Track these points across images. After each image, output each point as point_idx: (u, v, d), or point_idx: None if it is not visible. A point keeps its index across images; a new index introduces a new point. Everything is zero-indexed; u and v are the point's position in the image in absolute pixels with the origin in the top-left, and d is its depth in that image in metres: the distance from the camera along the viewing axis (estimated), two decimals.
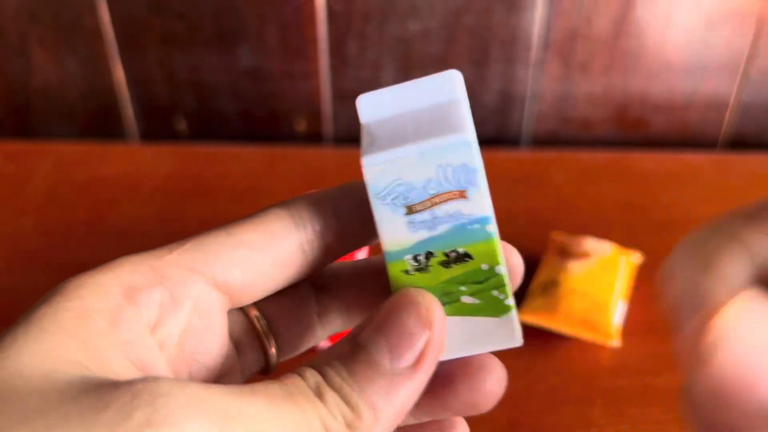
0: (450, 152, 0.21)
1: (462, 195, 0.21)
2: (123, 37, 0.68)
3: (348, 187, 0.23)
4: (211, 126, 0.74)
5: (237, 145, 0.72)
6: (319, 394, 0.18)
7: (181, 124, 0.74)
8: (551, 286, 0.50)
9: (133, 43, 0.69)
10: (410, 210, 0.22)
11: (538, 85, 0.71)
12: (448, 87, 0.23)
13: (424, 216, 0.22)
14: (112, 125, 0.74)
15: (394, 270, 0.22)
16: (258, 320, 0.23)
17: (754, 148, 0.76)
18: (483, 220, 0.21)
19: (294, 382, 0.19)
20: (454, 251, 0.22)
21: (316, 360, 0.20)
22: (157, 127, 0.74)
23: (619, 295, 0.49)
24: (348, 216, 0.23)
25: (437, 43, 0.69)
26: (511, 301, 0.23)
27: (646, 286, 0.54)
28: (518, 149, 0.75)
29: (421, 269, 0.22)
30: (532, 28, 0.68)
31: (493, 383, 0.23)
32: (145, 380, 0.17)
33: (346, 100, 0.72)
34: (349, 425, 0.18)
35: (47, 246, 0.58)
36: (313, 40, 0.68)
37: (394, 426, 0.19)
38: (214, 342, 0.22)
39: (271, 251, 0.22)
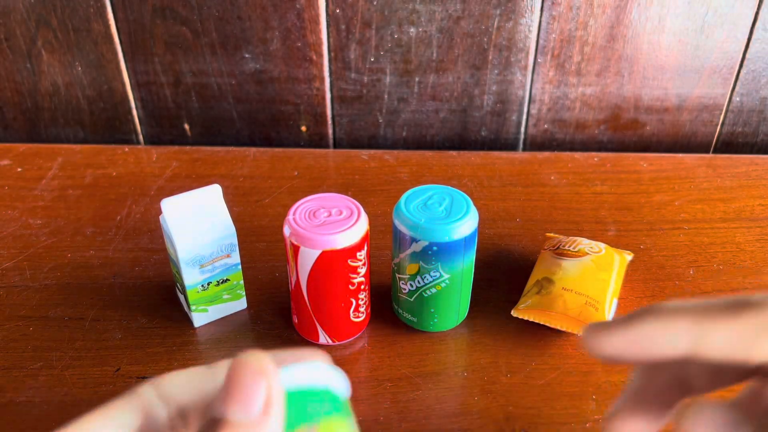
0: (226, 239, 0.48)
1: (228, 256, 0.49)
2: (129, 41, 0.69)
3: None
4: (215, 129, 0.75)
5: (240, 147, 0.73)
6: None
7: (186, 127, 0.75)
8: (547, 284, 0.50)
9: (140, 47, 0.69)
10: (202, 266, 0.48)
11: (535, 88, 0.72)
12: (215, 195, 0.47)
13: (208, 267, 0.48)
14: (119, 128, 0.75)
15: (192, 293, 0.48)
16: None
17: (746, 150, 0.77)
18: (237, 265, 0.50)
19: None
20: (222, 280, 0.49)
21: None
22: (162, 129, 0.75)
23: (613, 293, 0.50)
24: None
25: (436, 48, 0.69)
26: (243, 293, 0.51)
27: (638, 284, 0.54)
28: (515, 151, 0.76)
29: (204, 290, 0.49)
30: (528, 33, 0.68)
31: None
32: None
33: (347, 103, 0.73)
34: None
35: (55, 245, 0.58)
36: (314, 44, 0.69)
37: None
38: None
39: None
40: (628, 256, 0.55)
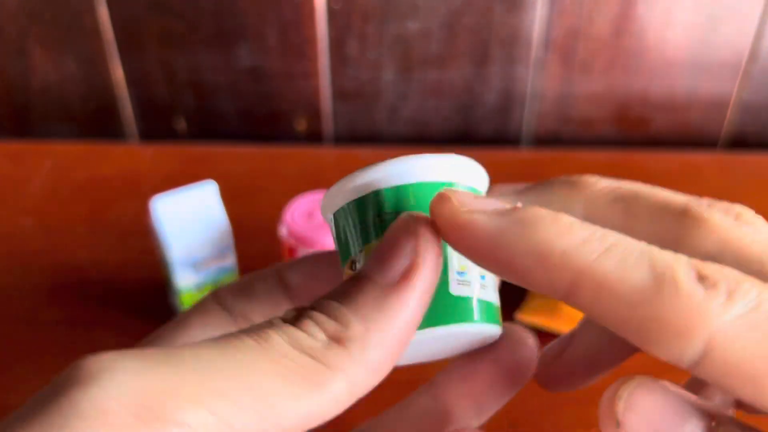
0: (222, 240, 0.47)
1: (223, 257, 0.48)
2: (122, 37, 0.68)
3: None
4: (210, 125, 0.74)
5: (237, 144, 0.72)
6: (295, 320, 0.18)
7: (181, 124, 0.74)
8: None
9: (133, 43, 0.69)
10: (195, 268, 0.47)
11: (539, 84, 0.71)
12: (211, 193, 0.47)
13: (202, 269, 0.47)
14: (112, 125, 0.74)
15: (185, 296, 0.41)
16: None
17: (755, 147, 0.76)
18: (232, 266, 0.50)
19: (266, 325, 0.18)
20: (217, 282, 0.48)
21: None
22: (156, 126, 0.74)
23: None
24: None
25: (437, 42, 0.68)
26: None
27: None
28: (519, 149, 0.75)
29: (199, 292, 0.48)
30: (532, 27, 0.68)
31: (530, 347, 0.23)
32: None
33: (346, 99, 0.72)
34: (334, 337, 0.17)
35: (47, 246, 0.57)
36: (312, 39, 0.68)
37: (391, 351, 0.18)
38: None
39: None
40: None
